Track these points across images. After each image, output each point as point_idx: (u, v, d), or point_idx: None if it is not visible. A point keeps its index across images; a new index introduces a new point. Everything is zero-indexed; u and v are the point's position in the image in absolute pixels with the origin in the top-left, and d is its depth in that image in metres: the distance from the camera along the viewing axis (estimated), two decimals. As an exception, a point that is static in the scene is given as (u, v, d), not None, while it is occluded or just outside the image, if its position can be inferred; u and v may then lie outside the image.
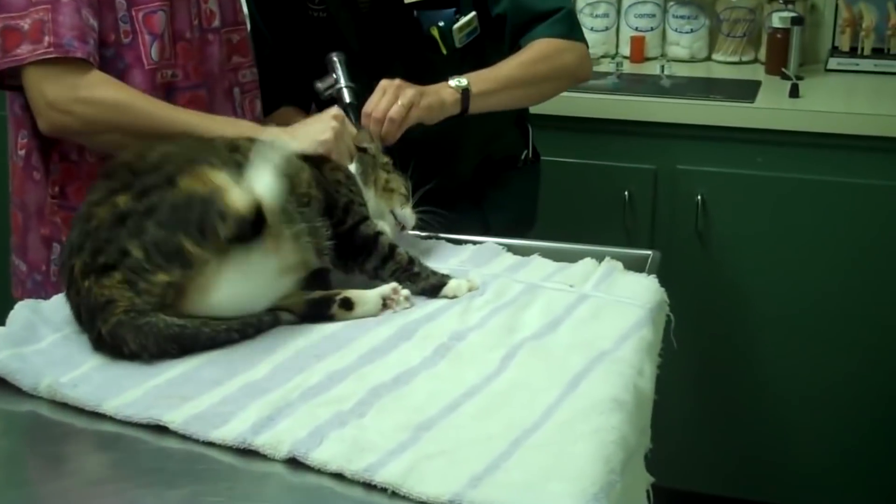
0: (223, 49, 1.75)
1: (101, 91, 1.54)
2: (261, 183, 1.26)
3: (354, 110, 1.73)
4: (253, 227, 1.26)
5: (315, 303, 1.39)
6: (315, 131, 1.57)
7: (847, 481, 2.55)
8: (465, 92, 1.74)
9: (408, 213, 1.60)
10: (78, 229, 1.34)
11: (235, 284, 1.30)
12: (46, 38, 1.51)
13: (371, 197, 1.57)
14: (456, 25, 1.87)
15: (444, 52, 1.90)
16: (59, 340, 1.35)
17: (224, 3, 1.76)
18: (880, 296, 2.42)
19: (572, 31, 1.91)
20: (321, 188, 1.49)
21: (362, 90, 1.74)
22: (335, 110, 1.62)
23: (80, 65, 1.53)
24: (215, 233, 1.25)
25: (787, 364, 2.53)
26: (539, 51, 1.86)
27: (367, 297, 1.40)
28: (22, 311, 1.40)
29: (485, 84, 1.78)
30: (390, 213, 1.59)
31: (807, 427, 2.55)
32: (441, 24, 1.88)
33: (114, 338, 1.27)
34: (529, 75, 1.86)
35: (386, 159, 1.64)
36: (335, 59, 1.78)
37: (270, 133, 1.57)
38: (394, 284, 1.43)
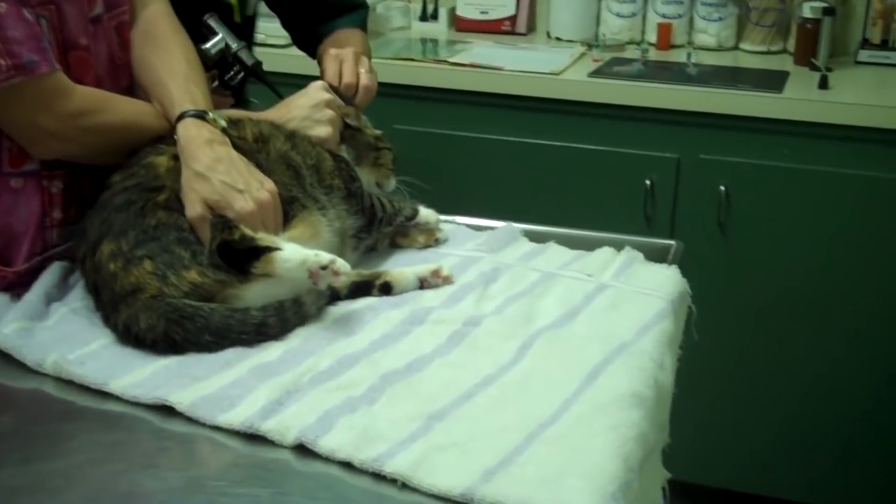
0: (117, 39, 1.50)
1: (103, 116, 1.40)
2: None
3: (261, 68, 1.68)
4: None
5: (356, 287, 1.38)
6: (313, 129, 1.53)
7: (870, 479, 2.52)
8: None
9: (392, 184, 1.62)
10: (122, 216, 1.31)
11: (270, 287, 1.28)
12: (2, 62, 1.29)
13: (362, 173, 1.57)
14: None
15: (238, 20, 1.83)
16: (67, 315, 1.33)
17: None
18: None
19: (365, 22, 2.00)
20: (341, 177, 1.50)
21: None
22: (323, 94, 1.57)
23: (50, 78, 1.35)
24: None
25: (809, 359, 2.49)
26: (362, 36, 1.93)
27: (405, 278, 1.41)
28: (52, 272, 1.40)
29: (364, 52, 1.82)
30: (375, 184, 1.61)
31: (830, 423, 2.51)
32: None
33: (130, 321, 1.24)
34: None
35: (378, 132, 1.63)
36: (214, 20, 1.67)
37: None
38: (434, 266, 1.43)
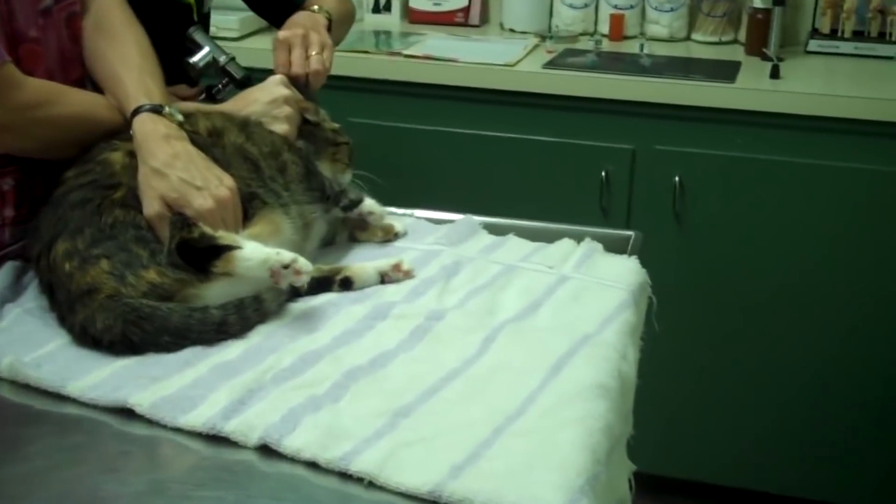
0: (66, 32, 1.47)
1: (56, 108, 1.37)
2: None
3: (251, 80, 1.65)
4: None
5: (317, 283, 1.35)
6: (270, 126, 1.51)
7: (831, 466, 2.55)
8: (329, 21, 1.73)
9: (347, 179, 1.59)
10: (78, 214, 1.29)
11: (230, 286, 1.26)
12: None
13: (320, 167, 1.56)
14: None
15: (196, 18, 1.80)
16: (21, 316, 1.30)
17: None
18: (859, 278, 2.41)
19: None
20: (303, 162, 1.48)
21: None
22: (281, 90, 1.54)
23: (1, 71, 1.30)
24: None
25: (765, 347, 2.51)
26: None
27: (366, 273, 1.39)
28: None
29: (334, 13, 1.77)
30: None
31: (788, 411, 2.54)
32: None
33: (87, 323, 1.22)
34: (346, 13, 1.87)
35: (336, 126, 1.61)
36: (199, 34, 1.65)
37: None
38: (395, 260, 1.41)
